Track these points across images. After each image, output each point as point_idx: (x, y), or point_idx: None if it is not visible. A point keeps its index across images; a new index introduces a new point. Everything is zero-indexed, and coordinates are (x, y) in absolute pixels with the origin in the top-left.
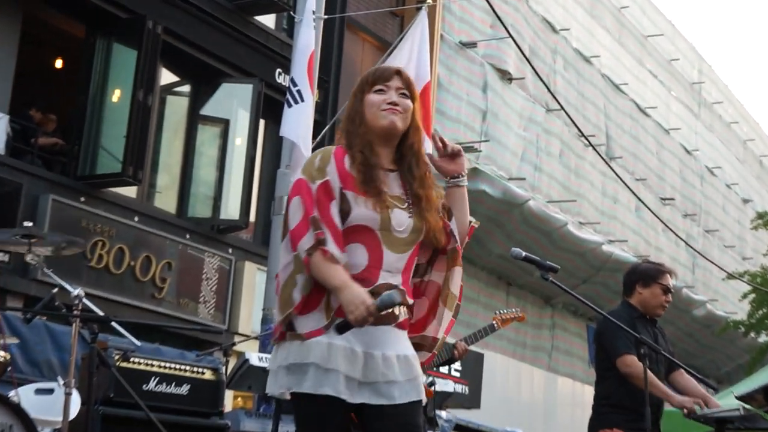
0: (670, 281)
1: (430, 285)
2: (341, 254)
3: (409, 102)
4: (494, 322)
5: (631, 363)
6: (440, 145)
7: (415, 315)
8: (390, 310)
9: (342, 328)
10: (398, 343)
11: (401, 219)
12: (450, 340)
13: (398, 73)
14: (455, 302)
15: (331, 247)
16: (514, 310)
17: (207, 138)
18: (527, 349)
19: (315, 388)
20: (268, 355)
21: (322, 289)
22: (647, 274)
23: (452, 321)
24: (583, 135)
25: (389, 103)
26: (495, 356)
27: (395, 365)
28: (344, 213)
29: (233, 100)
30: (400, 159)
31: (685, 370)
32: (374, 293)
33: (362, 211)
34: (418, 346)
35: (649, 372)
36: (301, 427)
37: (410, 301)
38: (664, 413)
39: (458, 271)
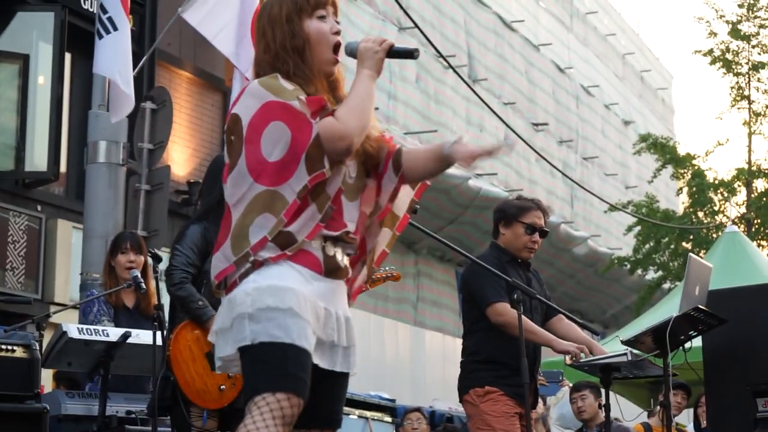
0: (539, 218)
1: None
2: None
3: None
4: None
5: (504, 311)
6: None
7: None
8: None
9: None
10: (345, 303)
11: (349, 165)
12: None
13: None
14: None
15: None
16: (387, 268)
17: (4, 78)
18: (390, 303)
19: (300, 340)
20: (89, 327)
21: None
22: (507, 212)
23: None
24: (441, 56)
25: (335, 34)
26: (353, 312)
27: (344, 327)
28: None
29: (32, 32)
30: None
31: (565, 315)
32: (338, 240)
33: None
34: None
35: (525, 318)
36: (274, 372)
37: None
38: (543, 364)
39: (386, 232)
